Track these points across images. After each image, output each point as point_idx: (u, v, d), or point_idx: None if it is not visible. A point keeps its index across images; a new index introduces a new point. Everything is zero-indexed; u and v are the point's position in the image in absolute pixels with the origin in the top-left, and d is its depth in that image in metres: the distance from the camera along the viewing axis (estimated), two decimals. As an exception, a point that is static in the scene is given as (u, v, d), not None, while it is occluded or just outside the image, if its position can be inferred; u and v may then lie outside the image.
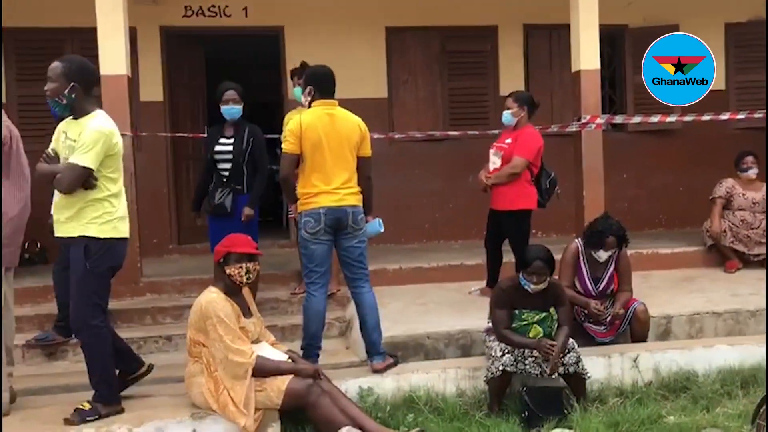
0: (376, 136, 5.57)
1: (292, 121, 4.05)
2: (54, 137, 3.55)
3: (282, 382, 3.42)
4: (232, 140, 4.87)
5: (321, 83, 4.08)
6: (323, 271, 4.02)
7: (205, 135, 5.44)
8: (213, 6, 7.05)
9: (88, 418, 3.43)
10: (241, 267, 3.53)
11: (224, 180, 4.86)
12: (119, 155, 3.53)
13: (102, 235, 3.40)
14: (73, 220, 3.40)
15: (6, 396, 3.59)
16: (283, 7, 7.08)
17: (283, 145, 4.00)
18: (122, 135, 5.23)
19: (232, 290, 3.58)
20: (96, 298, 3.46)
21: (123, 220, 3.55)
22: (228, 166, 4.86)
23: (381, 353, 4.08)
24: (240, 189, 4.84)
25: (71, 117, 3.47)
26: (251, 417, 3.34)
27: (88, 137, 3.34)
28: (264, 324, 3.89)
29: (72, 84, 3.37)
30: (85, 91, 3.43)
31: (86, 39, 5.95)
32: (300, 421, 3.58)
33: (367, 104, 6.47)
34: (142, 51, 6.89)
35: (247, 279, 3.58)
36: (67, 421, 3.42)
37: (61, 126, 3.54)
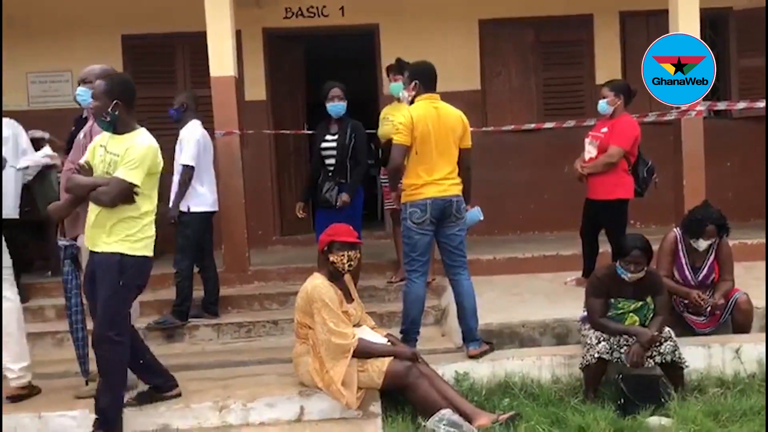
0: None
1: (403, 115, 4.18)
2: (90, 150, 3.61)
3: (382, 364, 3.61)
4: (336, 136, 5.10)
5: (425, 78, 4.23)
6: (425, 260, 4.18)
7: (306, 131, 5.71)
8: (312, 7, 7.34)
9: None
10: (343, 255, 3.74)
11: (330, 174, 5.09)
12: (158, 174, 3.57)
13: (135, 253, 3.45)
14: (107, 235, 3.43)
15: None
16: (379, 5, 7.26)
17: (395, 137, 4.13)
18: (230, 133, 5.69)
19: (335, 276, 3.79)
20: (121, 315, 3.49)
21: (152, 240, 3.57)
22: (333, 161, 5.09)
23: (477, 340, 4.20)
24: (344, 182, 5.07)
25: (113, 132, 3.54)
26: (353, 395, 3.55)
27: (137, 153, 3.39)
28: (364, 310, 4.10)
29: (115, 101, 3.43)
30: (127, 107, 3.48)
31: (195, 43, 6.37)
32: (399, 401, 3.75)
33: (461, 97, 6.56)
34: (246, 52, 7.25)
35: (349, 266, 3.78)
36: None
37: (99, 140, 3.61)
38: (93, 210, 3.47)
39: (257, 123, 6.98)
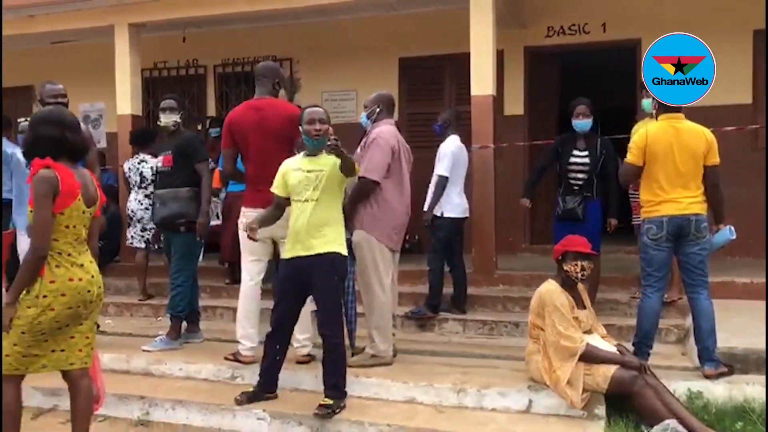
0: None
1: (638, 134, 4.37)
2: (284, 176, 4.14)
3: (608, 370, 3.81)
4: (586, 152, 5.32)
5: None
6: (661, 276, 4.27)
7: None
8: (573, 25, 7.56)
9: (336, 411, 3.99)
10: (576, 264, 4.01)
11: (575, 189, 5.34)
12: None
13: (345, 253, 4.08)
14: (335, 237, 4.02)
15: (391, 350, 4.67)
16: (641, 20, 7.23)
17: (627, 156, 4.34)
18: (486, 147, 6.18)
19: (568, 284, 4.07)
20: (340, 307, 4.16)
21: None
22: (582, 176, 5.32)
23: (714, 360, 4.16)
24: (589, 196, 5.31)
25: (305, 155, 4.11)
26: (578, 395, 3.81)
27: None
28: (599, 320, 4.30)
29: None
30: None
31: (460, 64, 7.01)
32: (624, 408, 3.90)
33: (728, 111, 6.33)
34: (508, 70, 7.72)
35: (582, 275, 4.03)
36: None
37: (293, 164, 4.12)
38: (316, 214, 3.99)
39: (515, 136, 7.39)
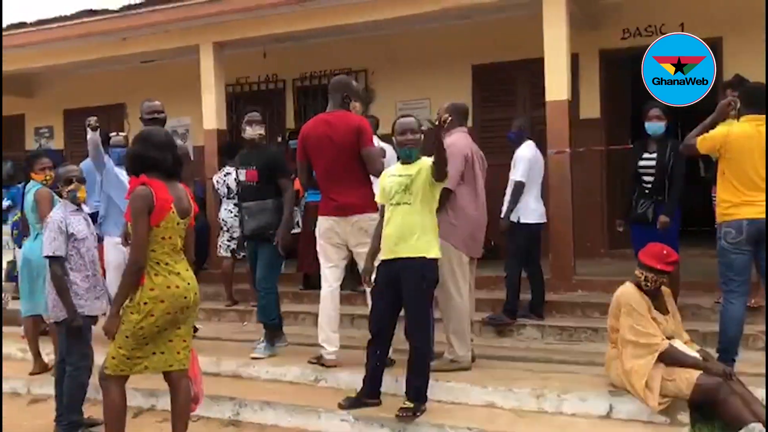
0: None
1: (718, 130, 4.29)
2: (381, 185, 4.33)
3: (691, 375, 3.77)
4: (654, 155, 5.26)
5: (750, 98, 4.25)
6: (742, 281, 4.18)
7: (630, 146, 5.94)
8: (650, 26, 7.44)
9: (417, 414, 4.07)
10: (642, 274, 4.02)
11: (646, 191, 5.28)
12: None
13: (438, 256, 4.16)
14: (426, 242, 4.10)
15: (469, 356, 4.75)
16: (722, 18, 7.06)
17: (701, 138, 4.29)
18: (561, 152, 6.16)
19: (644, 287, 4.05)
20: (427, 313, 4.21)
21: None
22: (651, 179, 5.26)
23: (804, 368, 4.04)
24: (661, 199, 5.21)
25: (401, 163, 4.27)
26: (656, 398, 3.78)
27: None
28: (681, 325, 4.25)
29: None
30: None
31: (534, 69, 7.03)
32: (709, 415, 3.85)
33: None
34: (583, 73, 7.67)
35: (646, 286, 4.02)
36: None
37: (389, 171, 4.33)
38: (416, 217, 4.12)
39: (591, 140, 7.33)
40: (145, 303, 3.45)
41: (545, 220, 5.83)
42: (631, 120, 7.91)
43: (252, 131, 5.38)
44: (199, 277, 7.07)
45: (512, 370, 4.73)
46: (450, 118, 4.78)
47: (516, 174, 5.61)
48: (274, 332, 5.39)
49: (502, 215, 5.65)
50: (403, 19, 7.17)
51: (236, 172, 5.57)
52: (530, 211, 5.62)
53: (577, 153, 6.74)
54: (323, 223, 4.90)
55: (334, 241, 4.86)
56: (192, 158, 7.40)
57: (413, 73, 8.49)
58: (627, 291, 4.05)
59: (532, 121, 6.05)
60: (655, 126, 5.26)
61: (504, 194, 5.69)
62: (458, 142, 4.70)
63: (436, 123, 3.87)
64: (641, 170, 5.34)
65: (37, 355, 5.57)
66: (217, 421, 4.60)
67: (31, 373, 5.54)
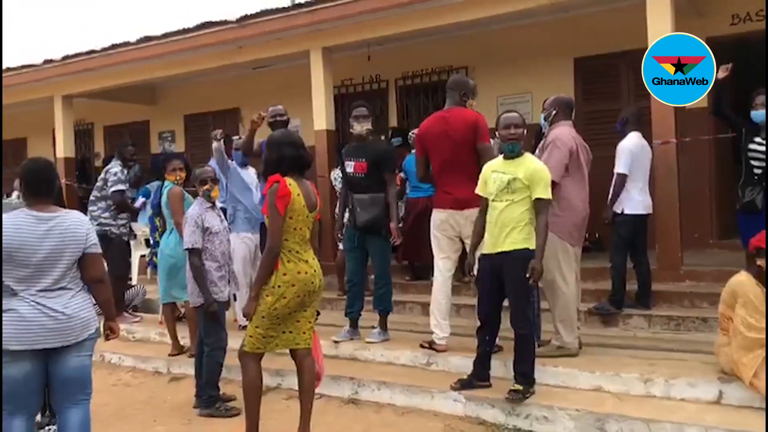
0: None
1: None
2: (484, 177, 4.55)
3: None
4: (765, 141, 5.19)
5: None
6: None
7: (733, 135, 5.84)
8: (761, 10, 7.23)
9: (526, 396, 4.30)
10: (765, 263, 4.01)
11: (755, 178, 5.22)
12: None
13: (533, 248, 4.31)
14: (526, 235, 4.29)
15: (576, 343, 4.90)
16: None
17: None
18: (667, 142, 6.14)
19: (761, 278, 4.05)
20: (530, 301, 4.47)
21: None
22: (760, 164, 5.20)
23: None
24: None
25: (503, 158, 4.47)
26: (763, 392, 3.81)
27: (541, 174, 4.34)
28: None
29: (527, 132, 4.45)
30: None
31: (638, 60, 6.98)
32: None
33: None
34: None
35: None
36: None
37: (492, 166, 4.49)
38: (512, 213, 4.35)
39: (698, 130, 7.22)
40: (279, 286, 3.84)
41: (650, 212, 5.84)
42: (735, 107, 7.70)
43: (360, 126, 5.60)
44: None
45: (619, 356, 4.85)
46: (555, 112, 4.98)
47: (618, 166, 5.66)
48: (386, 319, 5.70)
49: (607, 206, 5.72)
50: (504, 15, 7.32)
51: (342, 164, 5.74)
52: (634, 202, 5.66)
53: (684, 143, 6.68)
54: (439, 215, 5.14)
55: (449, 233, 5.10)
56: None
57: (514, 68, 8.61)
58: (743, 281, 4.06)
59: (641, 113, 6.06)
60: (759, 114, 5.20)
61: (609, 185, 5.76)
62: (563, 134, 4.86)
63: None
64: (751, 155, 5.28)
65: (174, 338, 6.15)
66: (338, 399, 4.99)
67: (170, 354, 6.13)
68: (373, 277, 5.74)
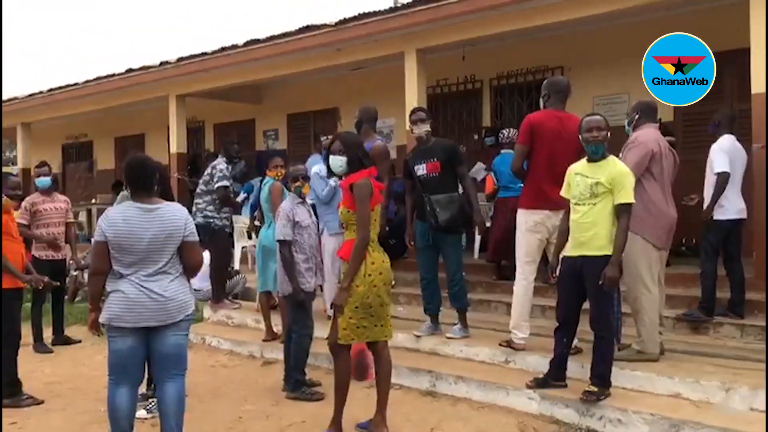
0: None
1: None
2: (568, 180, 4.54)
3: None
4: None
5: None
6: None
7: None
8: None
9: (601, 398, 4.32)
10: None
11: None
12: None
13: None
14: (607, 241, 4.28)
15: (657, 348, 4.85)
16: None
17: None
18: (766, 147, 5.90)
19: None
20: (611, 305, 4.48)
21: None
22: None
23: None
24: None
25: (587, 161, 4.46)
26: None
27: (624, 178, 4.30)
28: None
29: (609, 134, 4.40)
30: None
31: (740, 60, 6.74)
32: None
33: None
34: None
35: None
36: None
37: (576, 168, 4.50)
38: (592, 217, 4.37)
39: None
40: (369, 275, 4.06)
41: (743, 216, 5.64)
42: None
43: (419, 129, 5.76)
44: (400, 264, 7.82)
45: (701, 364, 4.75)
46: (637, 116, 4.94)
47: (717, 166, 5.50)
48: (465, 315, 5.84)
49: (705, 207, 5.58)
50: (602, 15, 7.23)
51: (412, 169, 5.78)
52: (726, 207, 5.50)
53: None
54: (532, 216, 5.13)
55: (542, 235, 5.11)
56: (391, 157, 8.08)
57: (611, 67, 8.47)
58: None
59: (738, 115, 5.87)
60: None
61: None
62: (644, 136, 4.82)
63: None
64: None
65: (268, 325, 6.54)
66: (417, 391, 5.18)
67: (264, 340, 6.52)
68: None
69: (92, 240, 3.73)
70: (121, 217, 3.71)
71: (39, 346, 7.02)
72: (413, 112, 5.93)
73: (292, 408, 4.99)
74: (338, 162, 4.20)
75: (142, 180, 3.81)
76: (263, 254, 6.26)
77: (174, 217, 3.79)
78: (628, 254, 4.73)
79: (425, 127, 5.76)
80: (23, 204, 6.91)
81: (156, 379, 3.92)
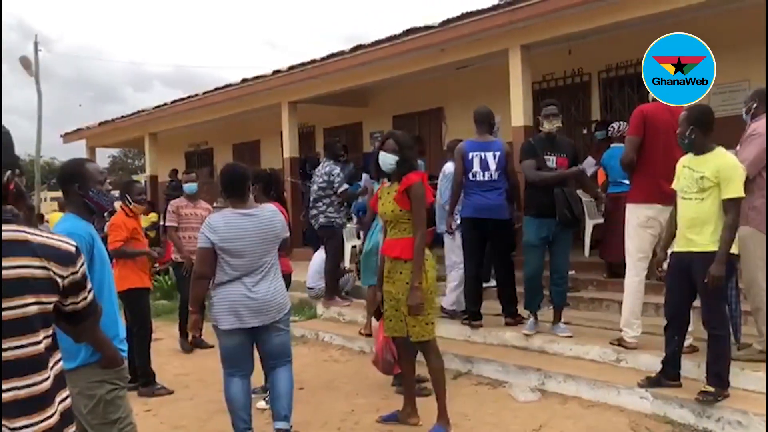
0: None
1: None
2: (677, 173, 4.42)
3: None
4: None
5: None
6: None
7: None
8: None
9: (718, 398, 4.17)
10: None
11: None
12: None
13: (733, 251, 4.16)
14: (716, 236, 4.12)
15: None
16: None
17: None
18: None
19: None
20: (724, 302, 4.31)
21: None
22: None
23: None
24: None
25: (693, 154, 4.28)
26: None
27: (731, 172, 4.12)
28: None
29: (691, 127, 4.21)
30: (703, 132, 4.23)
31: None
32: None
33: None
34: None
35: None
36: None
37: (684, 161, 4.37)
38: (696, 213, 4.25)
39: None
40: (428, 271, 4.22)
41: None
42: None
43: (550, 124, 5.72)
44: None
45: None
46: (755, 105, 4.72)
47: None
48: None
49: None
50: (712, 1, 6.92)
51: (537, 159, 5.73)
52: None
53: None
54: (645, 211, 5.02)
55: (655, 231, 5.00)
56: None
57: (728, 54, 7.99)
58: None
59: None
60: None
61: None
62: (761, 128, 4.58)
63: None
64: None
65: (370, 320, 6.69)
66: (524, 388, 5.17)
67: (360, 333, 6.75)
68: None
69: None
70: (222, 222, 4.02)
71: (182, 342, 7.31)
72: (545, 105, 5.84)
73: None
74: (389, 160, 4.29)
75: (234, 187, 4.10)
76: (370, 251, 6.41)
77: (274, 219, 4.11)
78: (748, 250, 4.55)
79: (557, 122, 5.74)
80: (169, 207, 7.34)
81: (266, 369, 4.35)
